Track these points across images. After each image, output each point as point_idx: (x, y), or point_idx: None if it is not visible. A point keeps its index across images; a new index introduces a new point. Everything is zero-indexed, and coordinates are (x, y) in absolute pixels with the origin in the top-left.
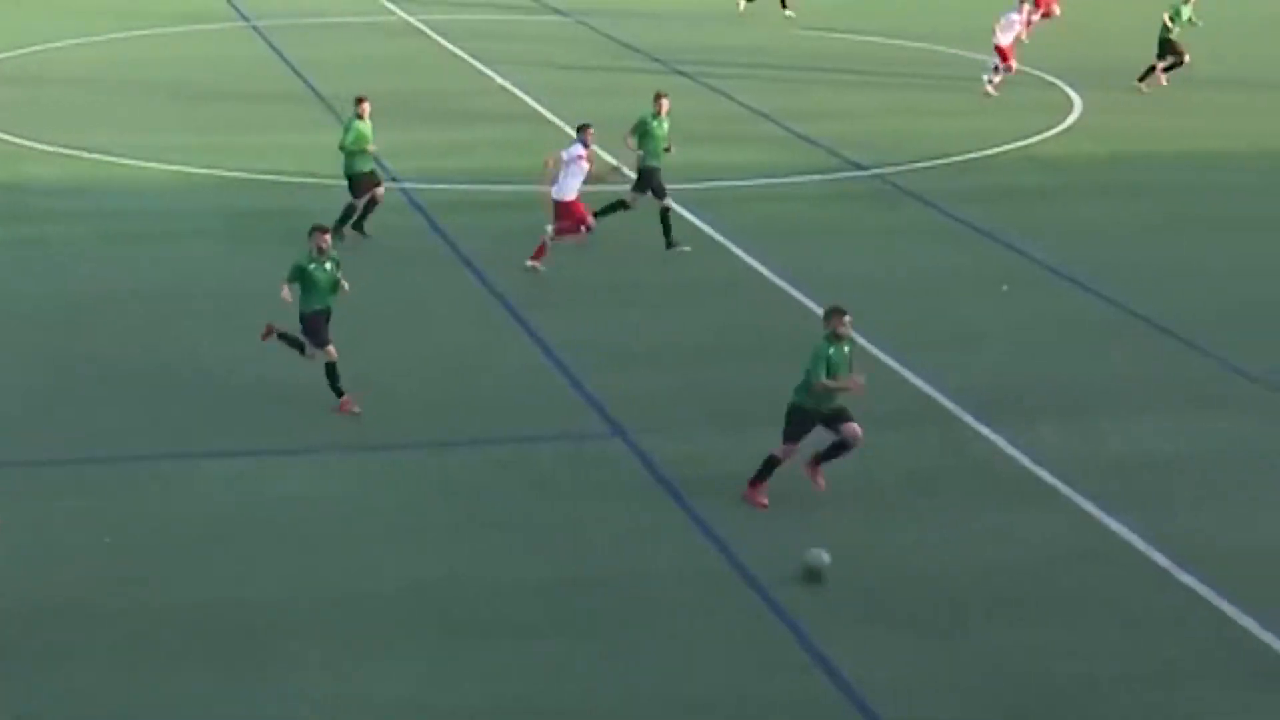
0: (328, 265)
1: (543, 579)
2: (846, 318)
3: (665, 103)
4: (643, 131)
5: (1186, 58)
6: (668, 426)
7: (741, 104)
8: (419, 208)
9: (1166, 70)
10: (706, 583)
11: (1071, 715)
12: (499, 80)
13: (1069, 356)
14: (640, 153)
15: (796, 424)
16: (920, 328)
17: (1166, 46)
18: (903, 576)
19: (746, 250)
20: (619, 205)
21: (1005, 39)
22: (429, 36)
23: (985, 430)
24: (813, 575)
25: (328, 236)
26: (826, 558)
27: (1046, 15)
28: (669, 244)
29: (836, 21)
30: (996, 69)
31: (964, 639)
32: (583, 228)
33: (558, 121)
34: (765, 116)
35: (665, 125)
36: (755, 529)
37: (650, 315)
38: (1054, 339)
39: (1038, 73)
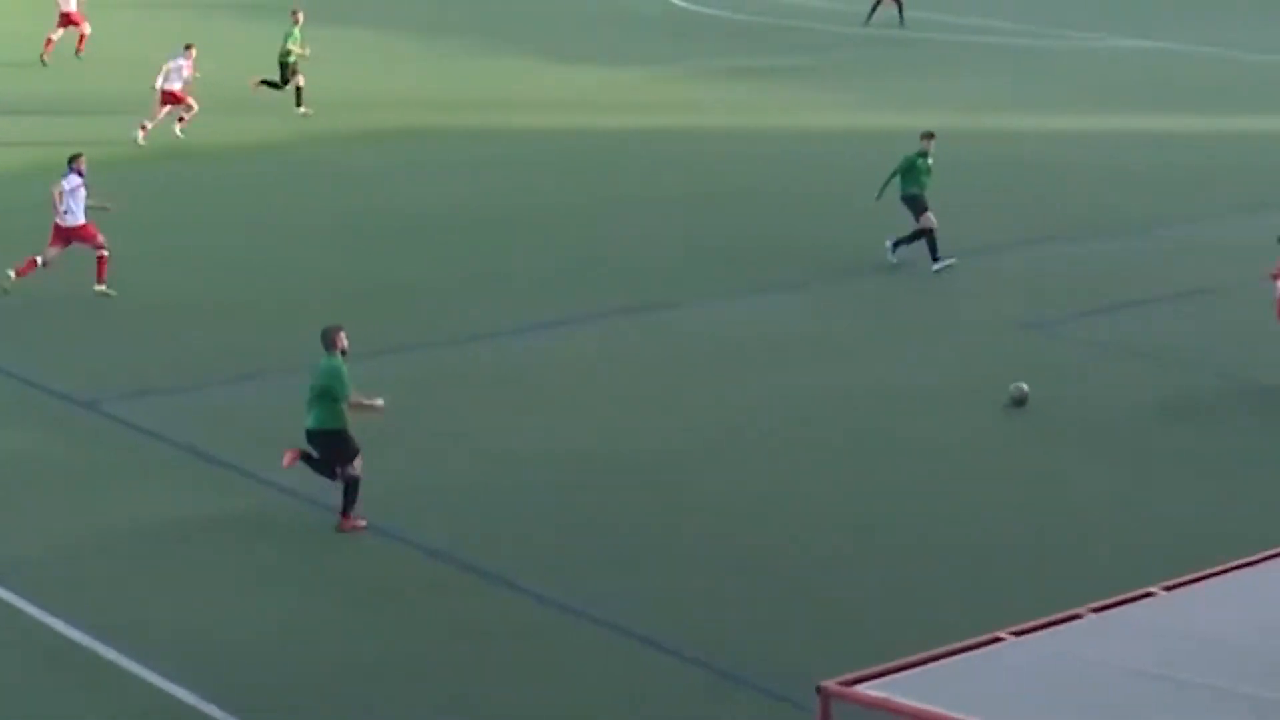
0: None
1: None
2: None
3: None
4: None
5: (301, 80)
6: None
7: None
8: None
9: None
10: None
11: None
12: None
13: None
14: None
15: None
16: None
17: (286, 70)
18: None
19: None
20: None
21: (175, 84)
22: None
23: None
24: (1019, 400)
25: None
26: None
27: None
28: None
29: None
30: (181, 118)
31: None
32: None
33: None
34: None
35: None
36: None
37: None
38: None
39: None
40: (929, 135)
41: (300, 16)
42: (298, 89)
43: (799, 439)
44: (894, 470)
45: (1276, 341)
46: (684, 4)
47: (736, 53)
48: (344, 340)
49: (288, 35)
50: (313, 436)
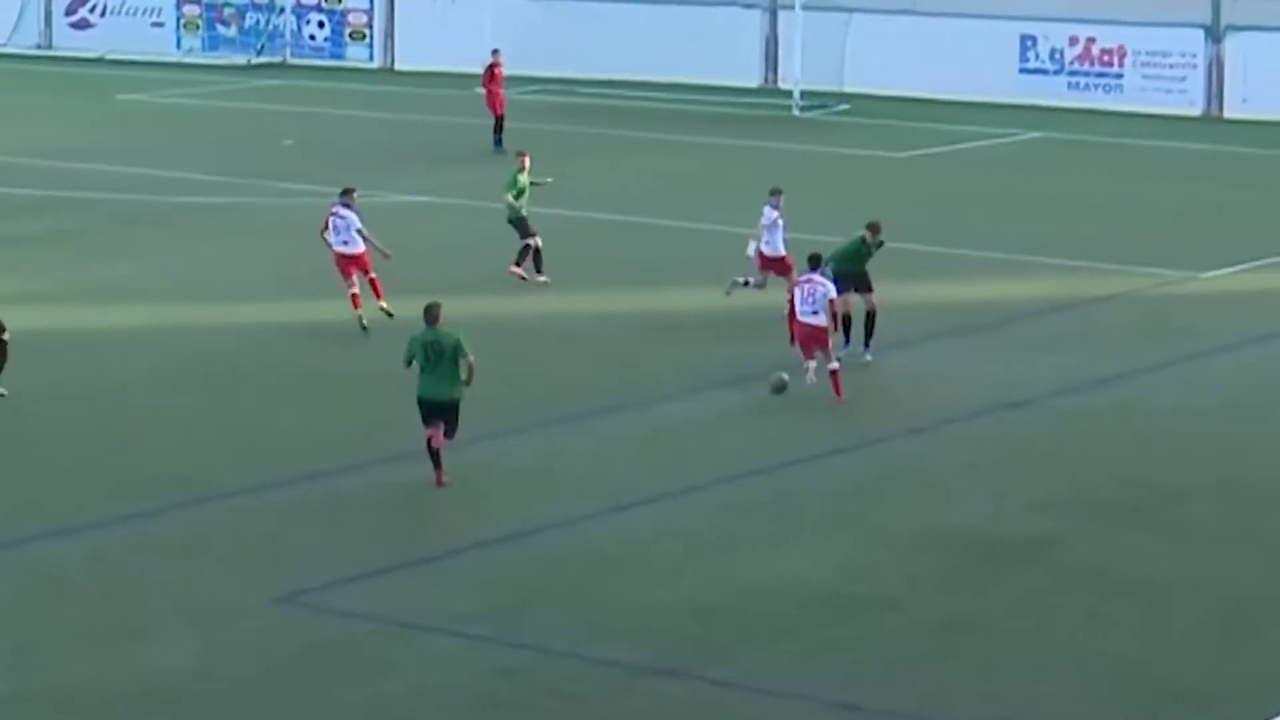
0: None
1: None
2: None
3: None
4: None
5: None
6: None
7: None
8: None
9: None
10: None
11: None
12: None
13: None
14: None
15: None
16: None
17: (522, 228)
18: None
19: None
20: None
21: (356, 247)
22: None
23: None
24: (779, 387)
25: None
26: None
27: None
28: None
29: None
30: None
31: None
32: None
33: None
34: None
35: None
36: None
37: None
38: None
39: None
40: (874, 227)
41: (527, 161)
42: (536, 251)
43: None
44: None
45: None
46: None
47: None
48: (443, 314)
49: (512, 183)
50: (446, 407)
